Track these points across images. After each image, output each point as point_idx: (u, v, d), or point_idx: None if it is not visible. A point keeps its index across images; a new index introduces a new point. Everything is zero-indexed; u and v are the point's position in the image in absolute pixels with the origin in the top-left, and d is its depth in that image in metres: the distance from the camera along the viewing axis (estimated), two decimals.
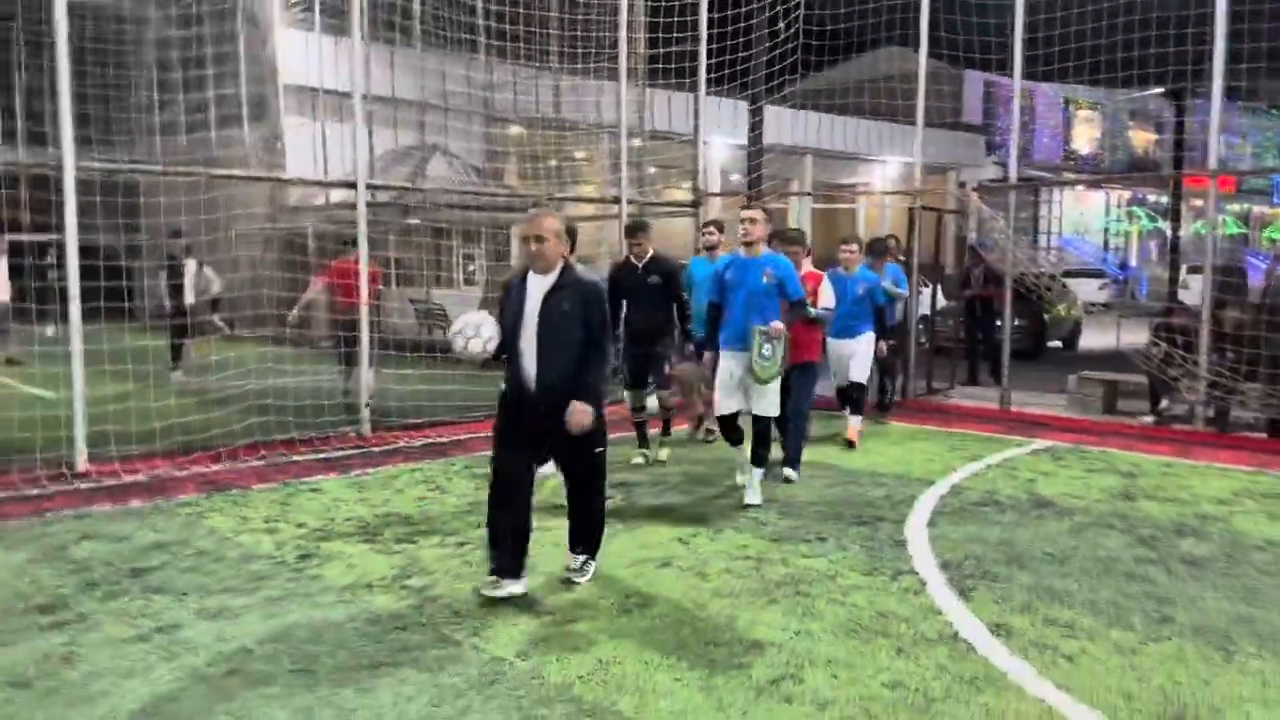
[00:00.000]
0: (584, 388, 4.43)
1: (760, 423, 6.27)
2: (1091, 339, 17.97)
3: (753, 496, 6.30)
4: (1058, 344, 17.27)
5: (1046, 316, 15.76)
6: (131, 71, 20.36)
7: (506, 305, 4.61)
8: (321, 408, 8.52)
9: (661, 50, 12.61)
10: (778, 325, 6.08)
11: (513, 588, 4.46)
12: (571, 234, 4.65)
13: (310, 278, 10.82)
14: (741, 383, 6.20)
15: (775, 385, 6.18)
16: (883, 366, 9.42)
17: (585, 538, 4.79)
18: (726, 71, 12.33)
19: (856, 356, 8.39)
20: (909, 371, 11.20)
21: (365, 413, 8.42)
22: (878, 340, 8.54)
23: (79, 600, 4.52)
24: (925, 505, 6.33)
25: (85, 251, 7.00)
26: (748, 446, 6.33)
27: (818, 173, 28.86)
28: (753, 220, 6.27)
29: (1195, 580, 4.86)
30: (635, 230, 7.55)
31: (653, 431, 7.80)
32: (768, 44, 12.56)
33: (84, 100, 15.24)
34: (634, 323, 7.47)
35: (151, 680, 3.65)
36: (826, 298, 7.01)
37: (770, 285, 6.17)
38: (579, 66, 13.85)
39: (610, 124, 14.67)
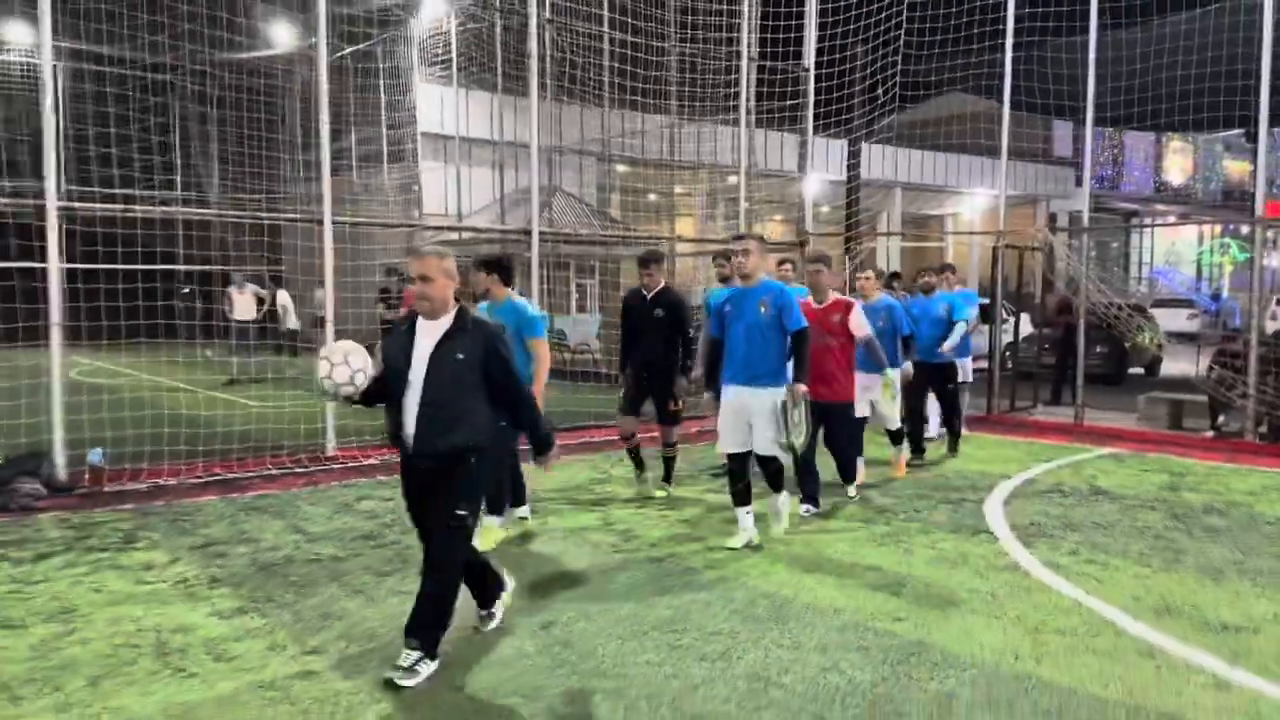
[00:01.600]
0: (539, 432, 4.29)
1: (767, 462, 6.15)
2: (1177, 366, 19.07)
3: (779, 523, 6.33)
4: (1140, 371, 18.45)
5: (1127, 345, 17.04)
6: (277, 119, 23.06)
7: (387, 353, 4.22)
8: None
9: (766, 92, 14.36)
10: (801, 388, 6.01)
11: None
12: (498, 266, 5.77)
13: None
14: (746, 420, 6.07)
15: (771, 418, 6.02)
16: (948, 401, 9.51)
17: (420, 629, 4.11)
18: (822, 110, 14.05)
19: (874, 391, 7.92)
20: (993, 391, 12.74)
21: None
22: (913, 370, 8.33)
23: (385, 534, 6.51)
24: (1002, 491, 7.96)
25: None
26: (754, 505, 6.26)
27: (906, 204, 30.32)
28: (746, 251, 6.08)
29: (1209, 541, 6.43)
30: (648, 261, 7.53)
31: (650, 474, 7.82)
32: (865, 85, 14.33)
33: (223, 144, 17.87)
34: (638, 353, 7.53)
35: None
36: (859, 327, 7.05)
37: (769, 317, 6.00)
38: (692, 110, 15.84)
39: (724, 165, 16.66)
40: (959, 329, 9.15)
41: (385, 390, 4.16)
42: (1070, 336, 13.49)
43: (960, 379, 9.79)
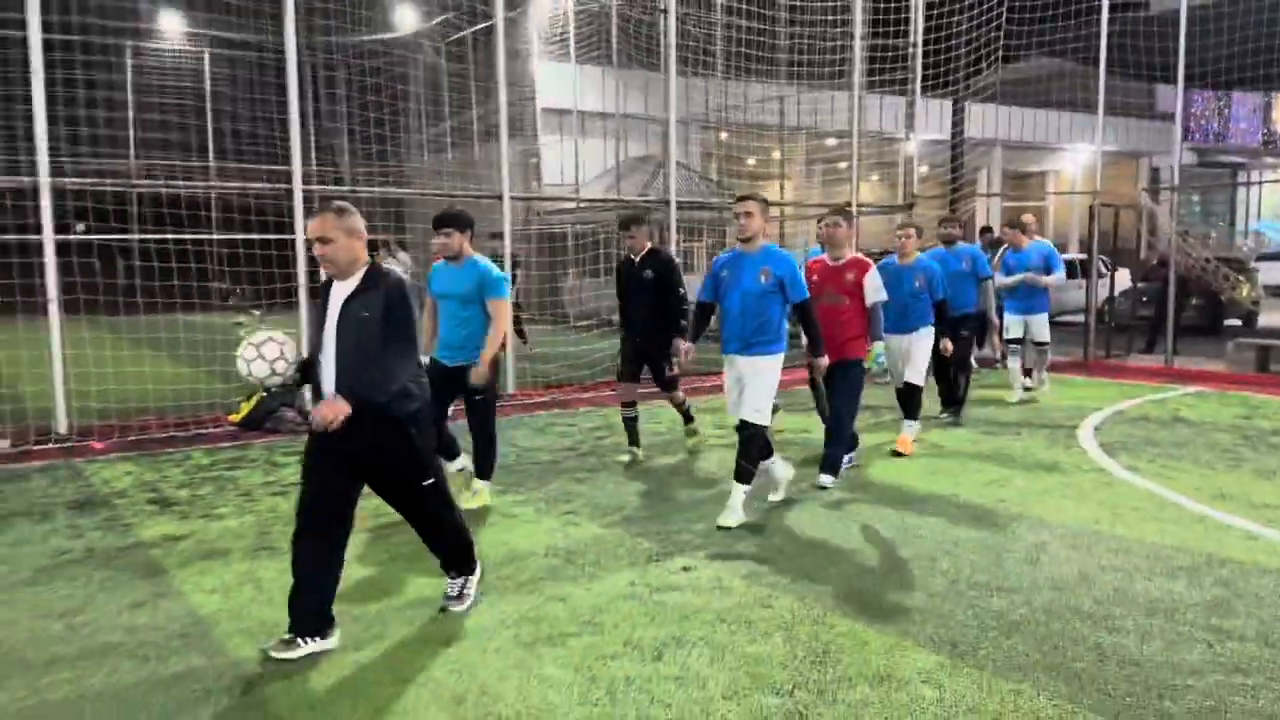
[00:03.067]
0: (361, 385, 3.94)
1: (746, 429, 5.86)
2: (1277, 317, 19.75)
3: (730, 517, 5.80)
4: (1236, 322, 19.20)
5: (1223, 298, 17.86)
6: (399, 98, 25.04)
7: (311, 316, 4.27)
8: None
9: (870, 55, 15.57)
10: (822, 362, 6.10)
11: (316, 645, 4.01)
12: (467, 222, 5.72)
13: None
14: (741, 389, 5.93)
15: (763, 388, 5.86)
16: (958, 363, 9.06)
17: (451, 564, 4.50)
18: (930, 73, 15.24)
19: (911, 355, 7.75)
20: (1090, 340, 13.93)
21: None
22: (940, 337, 7.99)
23: (580, 447, 8.25)
24: (1093, 419, 9.32)
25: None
26: (776, 455, 6.33)
27: (1006, 162, 30.94)
28: (748, 213, 5.81)
29: (1270, 454, 7.74)
30: (629, 224, 7.45)
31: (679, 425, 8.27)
32: (969, 49, 15.44)
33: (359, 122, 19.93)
34: (631, 317, 7.53)
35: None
36: (873, 290, 6.63)
37: (768, 286, 5.77)
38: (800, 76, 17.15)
39: (829, 131, 17.97)
40: (988, 286, 9.38)
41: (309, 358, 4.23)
42: (1168, 289, 14.53)
43: (1041, 338, 10.36)
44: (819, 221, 7.04)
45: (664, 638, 4.19)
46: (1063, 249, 29.64)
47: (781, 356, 5.92)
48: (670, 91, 12.28)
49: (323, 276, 4.26)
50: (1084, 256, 21.36)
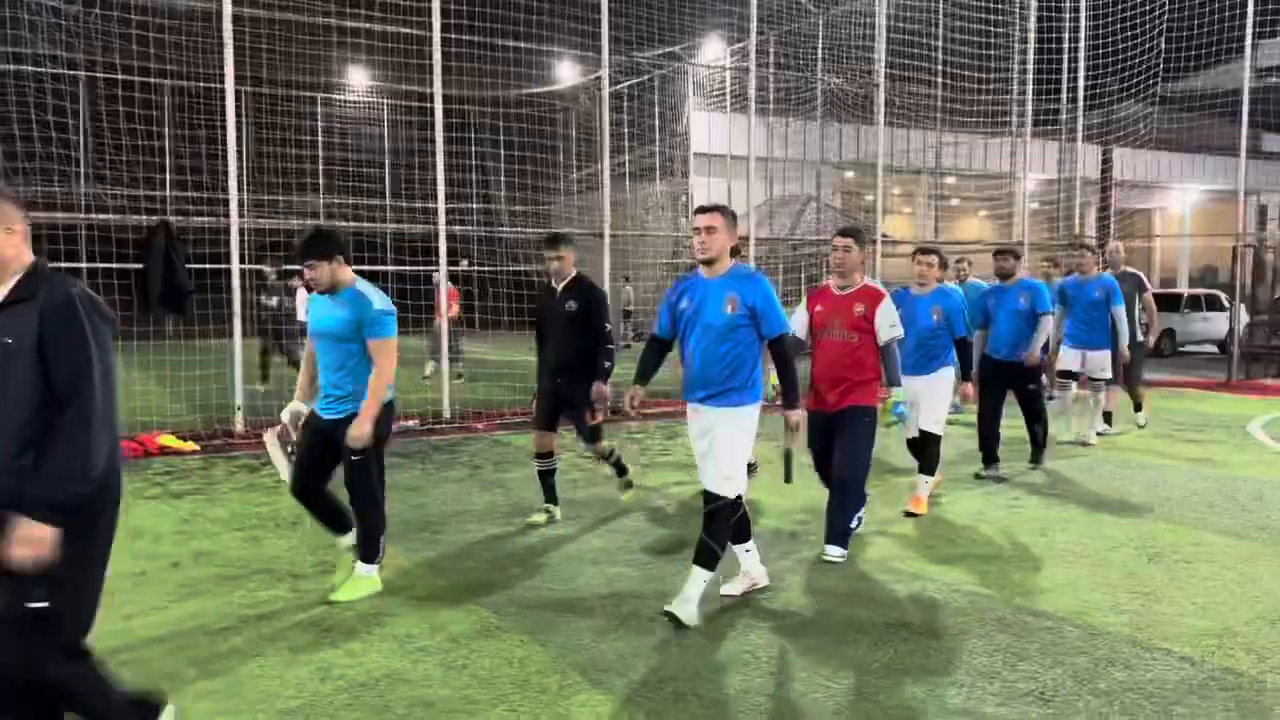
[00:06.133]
0: (39, 493, 2.65)
1: (713, 500, 4.72)
2: None
3: (683, 607, 4.64)
4: None
5: None
6: (559, 142, 27.94)
7: None
8: None
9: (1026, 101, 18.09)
10: (795, 416, 4.83)
11: None
12: (336, 247, 4.82)
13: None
14: (709, 449, 4.80)
15: (734, 450, 4.74)
16: (1033, 415, 8.41)
17: None
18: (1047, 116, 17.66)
19: (927, 398, 6.97)
20: (1232, 365, 16.08)
21: None
22: (962, 379, 7.38)
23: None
24: (1256, 422, 11.52)
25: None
26: (751, 541, 5.16)
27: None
28: (709, 228, 4.73)
29: None
30: (557, 241, 6.58)
31: (604, 470, 7.51)
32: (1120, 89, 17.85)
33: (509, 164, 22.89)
34: (547, 355, 6.65)
35: None
36: (887, 326, 5.68)
37: (737, 317, 4.72)
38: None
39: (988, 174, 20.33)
40: (1045, 323, 8.24)
41: None
42: None
43: (1102, 374, 9.71)
44: (833, 245, 5.91)
45: None
46: (1170, 283, 31.54)
47: (757, 407, 4.84)
48: (817, 128, 14.73)
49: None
50: (1207, 292, 23.52)
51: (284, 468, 5.11)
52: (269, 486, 7.84)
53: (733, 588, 5.14)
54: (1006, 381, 8.27)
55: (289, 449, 5.10)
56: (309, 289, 5.09)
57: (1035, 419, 8.44)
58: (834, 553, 5.72)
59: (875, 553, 6.01)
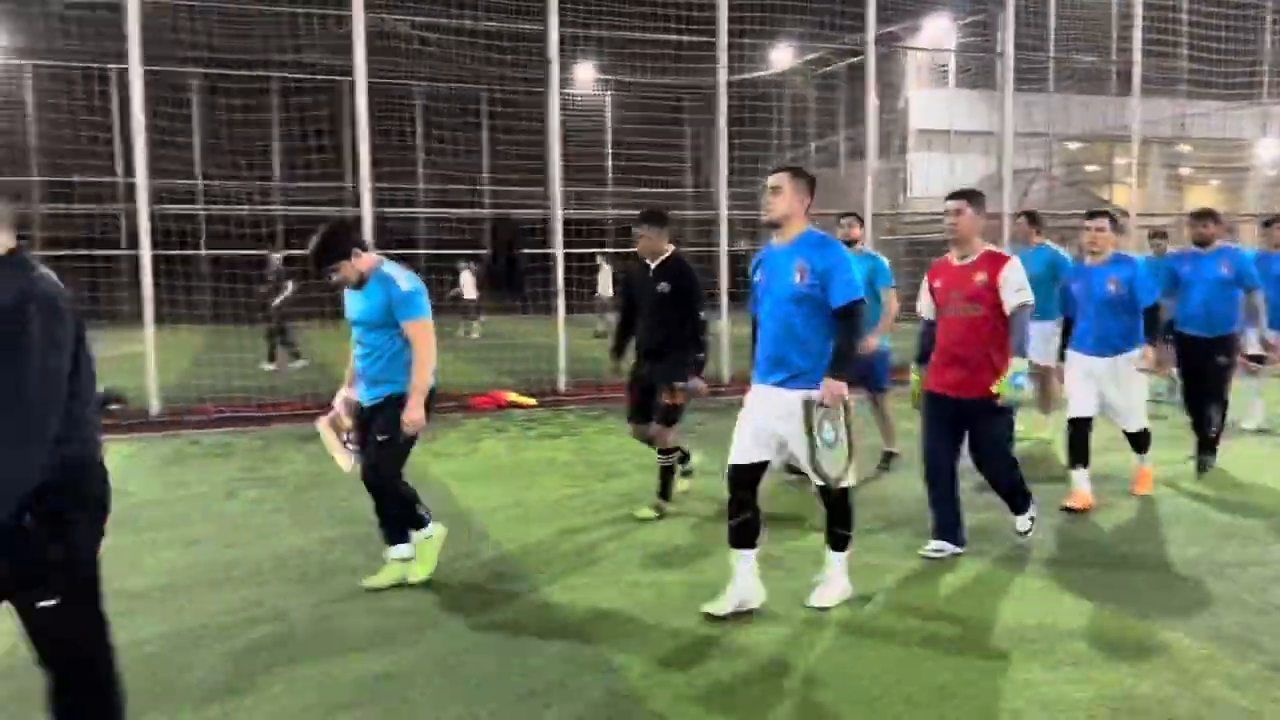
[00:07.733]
0: None
1: (829, 495, 4.54)
2: None
3: (826, 595, 4.58)
4: None
5: None
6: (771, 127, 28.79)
7: None
8: None
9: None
10: (835, 388, 4.32)
11: None
12: (351, 245, 4.74)
13: None
14: (771, 432, 4.46)
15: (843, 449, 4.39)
16: (1214, 395, 7.21)
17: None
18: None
19: (1115, 389, 6.23)
20: None
21: None
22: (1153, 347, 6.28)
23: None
24: None
25: None
26: (755, 551, 4.53)
27: None
28: (775, 188, 4.47)
29: None
30: (643, 220, 6.23)
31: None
32: None
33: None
34: (641, 339, 6.34)
35: None
36: (1014, 290, 5.11)
37: (807, 287, 4.39)
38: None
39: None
40: (1258, 299, 7.25)
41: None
42: None
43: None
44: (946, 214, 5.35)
45: None
46: None
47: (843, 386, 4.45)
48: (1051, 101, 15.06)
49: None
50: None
51: (340, 455, 5.04)
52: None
53: (751, 603, 4.54)
54: (1198, 362, 7.24)
55: (344, 436, 5.06)
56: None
57: (1217, 400, 7.23)
58: (1024, 524, 5.49)
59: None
